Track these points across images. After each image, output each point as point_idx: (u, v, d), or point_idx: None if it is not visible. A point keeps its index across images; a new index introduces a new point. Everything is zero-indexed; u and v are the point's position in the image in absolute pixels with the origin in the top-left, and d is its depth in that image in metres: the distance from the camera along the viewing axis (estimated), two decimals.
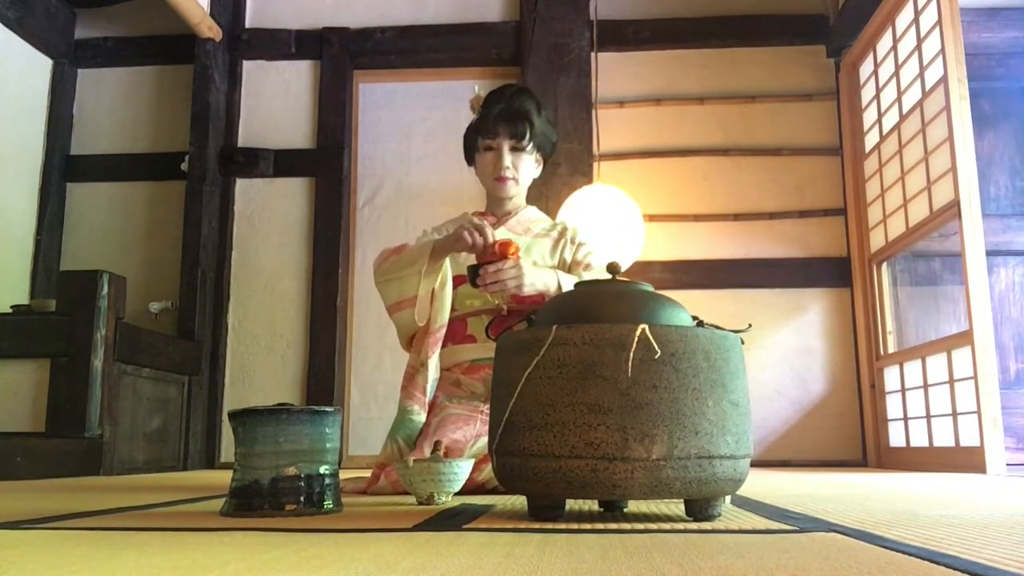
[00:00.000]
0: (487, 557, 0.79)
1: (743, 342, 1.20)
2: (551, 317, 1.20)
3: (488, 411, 1.82)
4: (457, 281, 2.05)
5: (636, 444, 1.06)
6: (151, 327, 3.63)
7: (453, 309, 2.05)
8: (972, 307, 2.71)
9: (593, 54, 3.88)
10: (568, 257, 2.10)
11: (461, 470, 1.47)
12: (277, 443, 1.25)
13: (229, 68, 4.05)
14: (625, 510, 1.32)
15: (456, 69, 4.08)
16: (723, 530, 1.03)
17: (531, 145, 2.07)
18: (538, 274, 1.86)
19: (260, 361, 3.88)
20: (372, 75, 4.14)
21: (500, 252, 1.80)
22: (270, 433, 1.25)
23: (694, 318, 1.22)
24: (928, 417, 3.13)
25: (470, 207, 2.29)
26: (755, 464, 2.12)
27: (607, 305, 1.18)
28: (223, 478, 2.28)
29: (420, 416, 1.90)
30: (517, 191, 2.12)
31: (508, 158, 2.06)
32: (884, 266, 3.60)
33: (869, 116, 3.68)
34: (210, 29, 3.86)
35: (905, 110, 3.28)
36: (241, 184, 4.02)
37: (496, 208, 2.16)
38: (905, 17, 3.28)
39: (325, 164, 3.97)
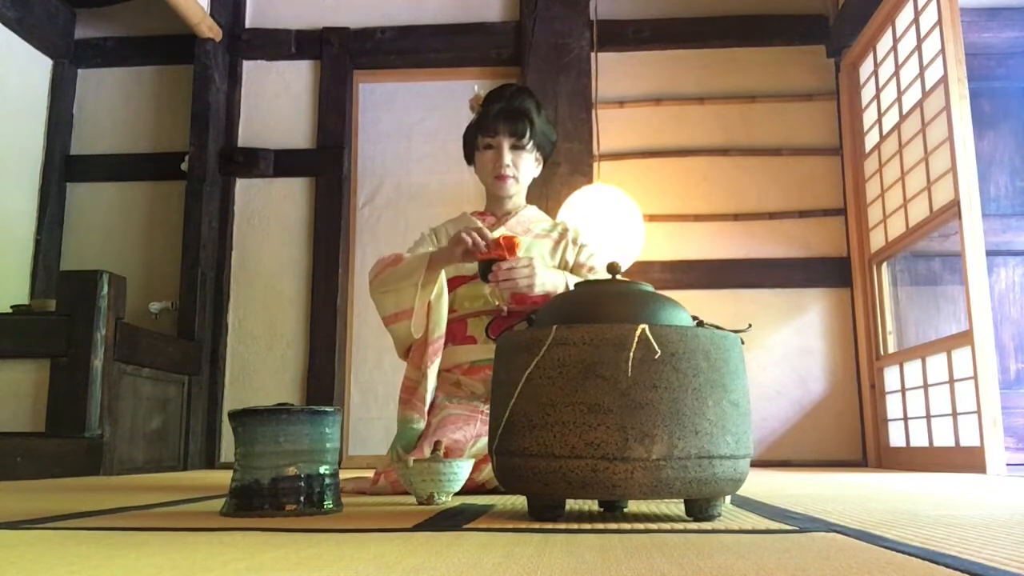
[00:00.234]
0: (487, 557, 0.79)
1: (743, 342, 1.20)
2: (551, 317, 1.20)
3: (487, 411, 1.83)
4: (457, 282, 2.05)
5: (636, 444, 1.06)
6: (151, 327, 3.63)
7: (453, 310, 2.05)
8: (972, 307, 2.71)
9: (593, 54, 3.88)
10: (570, 259, 2.10)
11: (461, 470, 1.47)
12: (277, 443, 1.25)
13: (229, 68, 4.05)
14: (625, 510, 1.32)
15: (456, 69, 4.08)
16: (723, 530, 1.03)
17: (531, 144, 2.07)
18: (548, 275, 1.86)
19: (260, 361, 3.88)
20: (372, 75, 4.14)
21: (506, 246, 1.80)
22: (270, 433, 1.25)
23: (694, 318, 1.22)
24: (928, 417, 3.13)
25: (470, 207, 2.29)
26: (755, 464, 2.12)
27: (607, 305, 1.18)
28: (223, 478, 2.28)
29: (421, 424, 1.90)
30: (517, 190, 2.12)
31: (508, 156, 2.05)
32: (884, 266, 3.60)
33: (869, 116, 3.68)
34: (210, 29, 3.86)
35: (905, 110, 3.28)
36: (241, 184, 4.01)
37: (496, 208, 2.15)
38: (905, 17, 3.28)
39: (325, 164, 3.97)
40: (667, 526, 1.08)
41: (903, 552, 0.82)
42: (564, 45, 3.93)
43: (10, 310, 3.07)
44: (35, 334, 2.87)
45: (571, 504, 1.38)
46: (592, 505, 1.40)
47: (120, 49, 4.16)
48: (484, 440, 1.81)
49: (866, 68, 3.70)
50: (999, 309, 3.62)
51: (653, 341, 1.08)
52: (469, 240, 1.81)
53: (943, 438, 3.01)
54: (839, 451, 3.66)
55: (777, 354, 3.74)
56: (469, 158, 2.15)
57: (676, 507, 1.36)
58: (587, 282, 1.34)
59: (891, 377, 3.47)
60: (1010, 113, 3.78)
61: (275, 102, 4.09)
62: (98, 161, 4.08)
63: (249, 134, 4.06)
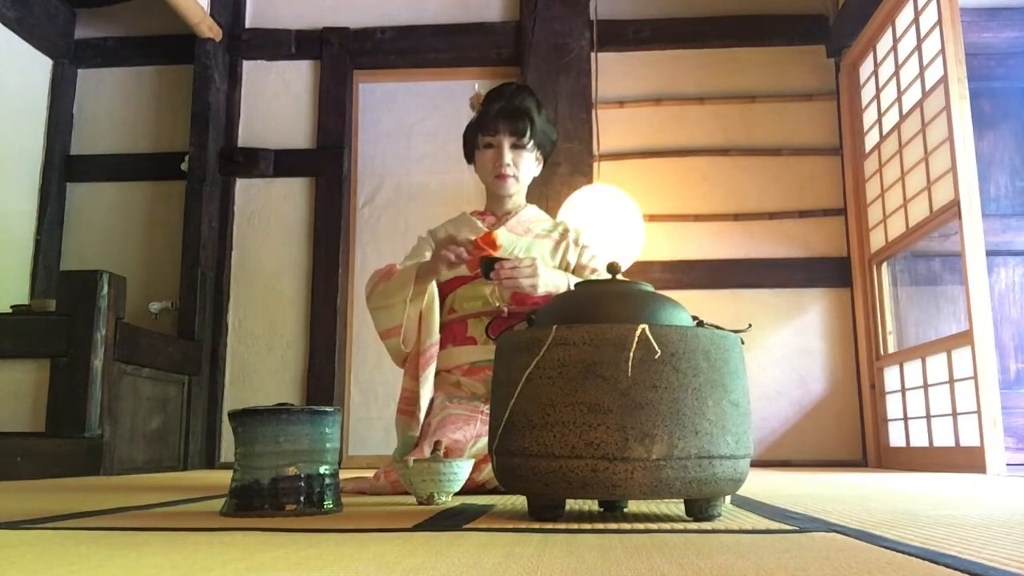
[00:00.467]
0: (487, 557, 0.79)
1: (743, 342, 1.20)
2: (551, 317, 1.20)
3: (488, 412, 1.83)
4: (456, 283, 2.05)
5: (636, 444, 1.06)
6: (151, 327, 3.63)
7: (452, 311, 2.05)
8: (972, 307, 2.71)
9: (593, 54, 3.88)
10: (572, 260, 2.09)
11: (461, 470, 1.47)
12: (277, 443, 1.25)
13: (229, 68, 4.05)
14: (625, 510, 1.32)
15: (456, 69, 4.08)
16: (723, 530, 1.03)
17: (532, 143, 2.06)
18: (551, 275, 1.86)
19: (260, 361, 3.88)
20: (372, 75, 4.14)
21: (487, 244, 1.80)
22: (270, 433, 1.25)
23: (694, 318, 1.22)
24: (928, 417, 3.13)
25: (470, 207, 2.29)
26: (755, 464, 2.12)
27: (607, 305, 1.18)
28: (223, 478, 2.28)
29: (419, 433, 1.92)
30: (517, 189, 2.11)
31: (508, 155, 2.05)
32: (884, 266, 3.60)
33: (869, 116, 3.68)
34: (210, 29, 3.86)
35: (905, 110, 3.28)
36: (241, 184, 4.01)
37: (496, 207, 2.15)
38: (905, 17, 3.28)
39: (325, 164, 3.97)
40: (667, 526, 1.08)
41: (903, 552, 0.82)
42: (564, 45, 3.93)
43: (10, 310, 3.07)
44: (35, 334, 2.87)
45: (571, 504, 1.38)
46: (592, 505, 1.40)
47: (120, 49, 4.16)
48: (484, 440, 1.81)
49: (866, 68, 3.70)
50: (999, 309, 3.62)
51: (653, 341, 1.08)
52: (452, 256, 1.81)
53: (943, 438, 3.01)
54: (839, 451, 3.66)
55: (777, 354, 3.74)
56: (469, 157, 2.15)
57: (676, 507, 1.36)
58: (587, 282, 1.34)
59: (891, 377, 3.47)
60: (1010, 113, 3.78)
61: (275, 102, 4.09)
62: (98, 161, 4.08)
63: (249, 134, 4.06)
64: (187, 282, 3.75)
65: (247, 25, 4.14)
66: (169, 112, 4.09)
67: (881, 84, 3.53)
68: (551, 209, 3.34)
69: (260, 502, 1.23)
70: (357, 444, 3.81)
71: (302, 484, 1.24)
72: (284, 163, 4.00)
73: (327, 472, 1.28)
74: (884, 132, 3.50)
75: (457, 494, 1.55)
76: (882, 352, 3.54)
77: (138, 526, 1.11)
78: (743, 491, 1.64)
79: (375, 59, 4.08)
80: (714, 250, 3.83)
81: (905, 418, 3.33)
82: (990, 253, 3.17)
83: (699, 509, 1.14)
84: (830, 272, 3.78)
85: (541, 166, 2.16)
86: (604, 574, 0.70)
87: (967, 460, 2.78)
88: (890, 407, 3.48)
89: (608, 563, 0.76)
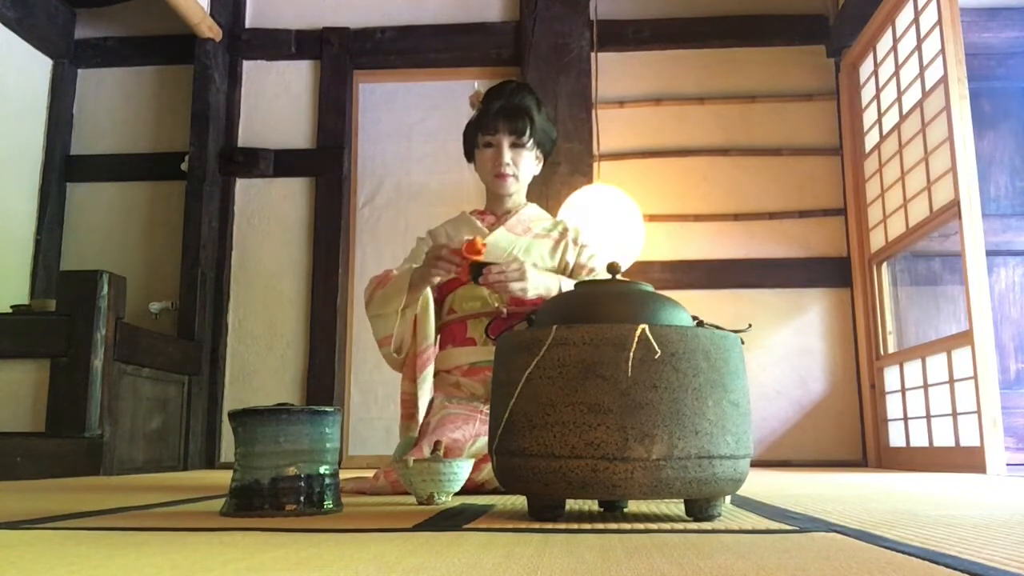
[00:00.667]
0: (487, 557, 0.79)
1: (743, 342, 1.20)
2: (551, 317, 1.20)
3: (487, 411, 1.82)
4: (455, 283, 2.04)
5: (636, 444, 1.06)
6: (151, 327, 3.63)
7: (452, 311, 2.05)
8: (972, 307, 2.71)
9: (593, 54, 3.88)
10: (571, 259, 2.08)
11: (461, 470, 1.47)
12: (277, 443, 1.25)
13: (229, 68, 4.05)
14: (625, 510, 1.32)
15: (456, 69, 4.08)
16: (723, 530, 1.03)
17: (531, 142, 2.05)
18: (541, 278, 1.85)
19: (260, 361, 3.88)
20: (372, 75, 4.14)
21: (470, 252, 1.80)
22: (270, 433, 1.25)
23: (694, 318, 1.22)
24: (928, 417, 3.13)
25: (470, 207, 2.29)
26: (755, 464, 2.12)
27: (607, 305, 1.18)
28: (223, 478, 2.28)
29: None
30: (517, 188, 2.10)
31: (508, 154, 2.04)
32: (884, 266, 3.60)
33: (869, 116, 3.68)
34: (210, 29, 3.86)
35: (905, 110, 3.28)
36: (241, 184, 4.02)
37: (496, 206, 2.14)
38: (905, 17, 3.28)
39: (325, 164, 3.97)
40: (667, 526, 1.08)
41: (903, 552, 0.82)
42: (564, 45, 3.93)
43: (10, 310, 3.07)
44: (35, 334, 2.87)
45: (571, 504, 1.38)
46: (592, 505, 1.40)
47: (120, 49, 4.16)
48: (483, 440, 1.80)
49: (866, 68, 3.70)
50: (999, 309, 3.62)
51: (653, 341, 1.08)
52: (444, 271, 1.83)
53: (943, 438, 3.01)
54: (839, 451, 3.66)
55: (777, 354, 3.74)
56: (469, 156, 2.14)
57: (676, 507, 1.36)
58: (587, 282, 1.34)
59: (891, 377, 3.47)
60: (1010, 113, 3.78)
61: (275, 102, 4.09)
62: (98, 161, 4.08)
63: (249, 134, 4.06)
64: (187, 282, 3.75)
65: (247, 25, 4.14)
66: (169, 112, 4.09)
67: (881, 84, 3.53)
68: (551, 209, 3.34)
69: (260, 502, 1.23)
70: (357, 444, 3.81)
71: (302, 484, 1.24)
72: (284, 163, 4.00)
73: (327, 472, 1.28)
74: (884, 132, 3.50)
75: (457, 494, 1.55)
76: (882, 352, 3.54)
77: (138, 526, 1.11)
78: (743, 491, 1.64)
79: (375, 59, 4.08)
80: (714, 250, 3.83)
81: (905, 418, 3.33)
82: (990, 253, 3.17)
83: (699, 509, 1.14)
84: (830, 272, 3.78)
85: (541, 164, 2.16)
86: (604, 574, 0.70)
87: (967, 460, 2.78)
88: (890, 407, 3.48)
89: (608, 563, 0.76)
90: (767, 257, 3.81)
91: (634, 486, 1.06)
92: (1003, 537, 0.94)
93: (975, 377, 2.69)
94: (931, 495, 1.68)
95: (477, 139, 2.08)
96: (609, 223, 3.34)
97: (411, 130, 4.08)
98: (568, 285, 1.88)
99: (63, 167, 4.03)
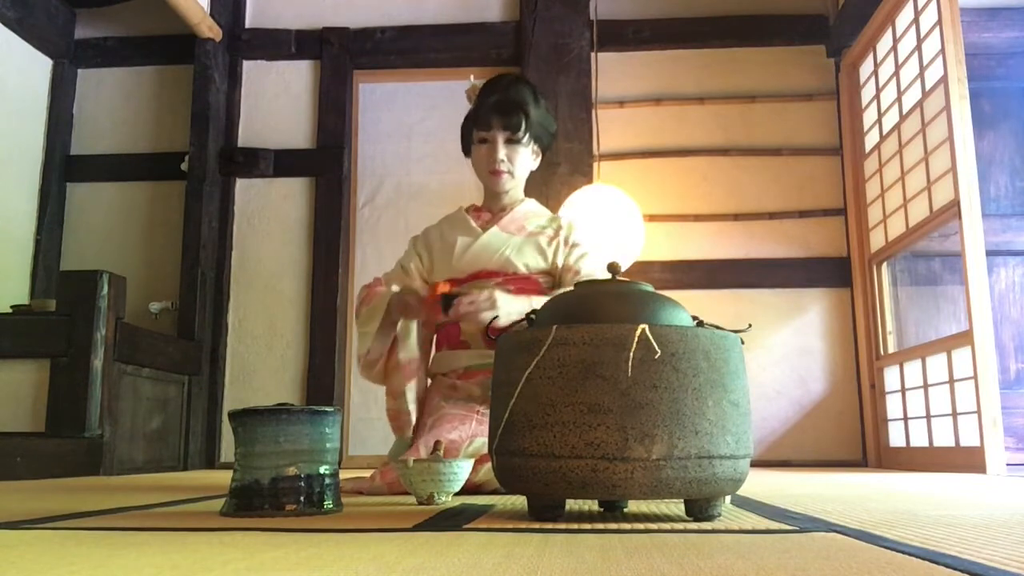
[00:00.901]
0: (487, 557, 0.79)
1: (743, 342, 1.20)
2: (551, 317, 1.20)
3: (484, 411, 1.82)
4: (448, 285, 2.04)
5: (636, 444, 1.06)
6: (151, 327, 3.63)
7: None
8: (972, 307, 2.71)
9: (593, 54, 3.88)
10: (560, 260, 2.04)
11: (461, 470, 1.47)
12: (277, 443, 1.25)
13: (229, 68, 4.05)
14: (625, 510, 1.32)
15: (456, 69, 4.07)
16: (723, 530, 1.03)
17: (527, 137, 2.02)
18: (513, 304, 1.81)
19: (260, 361, 3.88)
20: (372, 75, 4.14)
21: (439, 295, 1.82)
22: (270, 433, 1.25)
23: (694, 318, 1.22)
24: (928, 417, 3.13)
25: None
26: (755, 464, 2.12)
27: (607, 305, 1.18)
28: (223, 478, 2.28)
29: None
30: (513, 184, 2.07)
31: (503, 151, 2.01)
32: (884, 266, 3.60)
33: (869, 116, 3.68)
34: (210, 29, 3.86)
35: (905, 110, 3.28)
36: (241, 184, 4.02)
37: (492, 203, 2.12)
38: (905, 17, 3.28)
39: (325, 164, 3.97)
40: (667, 526, 1.08)
41: (903, 552, 0.82)
42: (564, 45, 3.93)
43: (10, 310, 3.07)
44: (35, 334, 2.87)
45: (571, 504, 1.38)
46: (592, 505, 1.40)
47: (120, 49, 4.16)
48: (480, 440, 1.79)
49: (866, 68, 3.70)
50: (999, 309, 3.62)
51: (653, 341, 1.08)
52: (411, 317, 1.86)
53: (943, 438, 3.01)
54: (839, 451, 3.66)
55: (777, 354, 3.74)
56: (467, 151, 2.12)
57: (676, 507, 1.36)
58: (587, 282, 1.34)
59: (891, 377, 3.47)
60: (1010, 113, 3.78)
61: (275, 102, 4.09)
62: (98, 161, 4.08)
63: (249, 134, 4.06)
64: (187, 282, 3.75)
65: (247, 25, 4.14)
66: (169, 112, 4.09)
67: (881, 84, 3.53)
68: (551, 209, 3.34)
69: (260, 502, 1.23)
70: (357, 444, 3.81)
71: (302, 484, 1.24)
72: (284, 163, 4.00)
73: (327, 472, 1.28)
74: (884, 132, 3.50)
75: (456, 494, 1.55)
76: (882, 352, 3.54)
77: (138, 526, 1.11)
78: (743, 491, 1.64)
79: (375, 59, 4.08)
80: (714, 250, 3.83)
81: (905, 418, 3.33)
82: (990, 253, 3.17)
83: (699, 509, 1.14)
84: (830, 272, 3.78)
85: (539, 159, 2.12)
86: (604, 574, 0.70)
87: (967, 460, 2.78)
88: (890, 407, 3.48)
89: (608, 563, 0.76)
90: (767, 257, 3.81)
91: (634, 486, 1.07)
92: (1003, 537, 0.94)
93: (975, 377, 2.69)
94: (931, 495, 1.68)
95: (472, 135, 2.05)
96: (609, 223, 3.34)
97: (411, 130, 4.08)
98: (540, 303, 1.84)
99: (63, 167, 4.03)
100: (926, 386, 3.14)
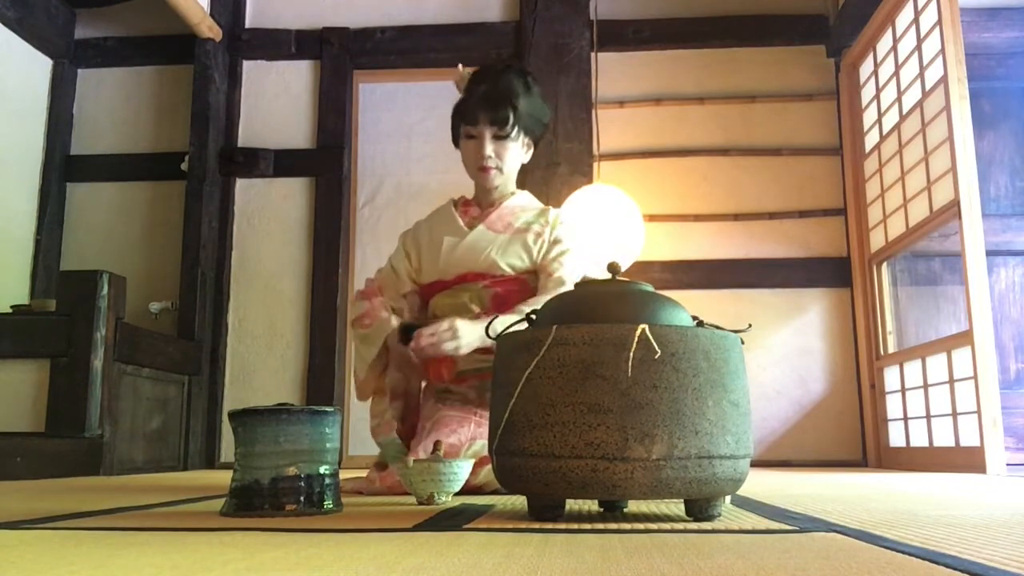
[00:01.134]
0: (487, 557, 0.79)
1: (743, 342, 1.20)
2: (551, 317, 1.20)
3: (482, 413, 1.81)
4: (438, 287, 1.99)
5: (636, 444, 1.06)
6: (151, 327, 3.63)
7: (435, 316, 2.00)
8: (972, 307, 2.71)
9: (593, 54, 3.88)
10: (541, 258, 1.97)
11: (461, 470, 1.47)
12: (277, 443, 1.25)
13: (229, 68, 4.05)
14: (625, 510, 1.32)
15: (456, 69, 4.07)
16: (723, 530, 1.03)
17: (516, 131, 1.94)
18: (475, 330, 1.74)
19: (260, 361, 3.88)
20: (372, 75, 4.14)
21: (401, 323, 1.81)
22: (270, 433, 1.25)
23: (694, 318, 1.22)
24: (928, 417, 3.13)
25: None
26: (755, 464, 2.12)
27: (607, 305, 1.18)
28: (223, 478, 2.28)
29: (395, 436, 1.90)
30: (502, 180, 2.01)
31: (490, 147, 1.95)
32: (884, 266, 3.60)
33: (869, 116, 3.68)
34: (210, 29, 3.86)
35: (905, 110, 3.28)
36: (241, 184, 4.02)
37: (481, 197, 2.06)
38: (905, 17, 3.28)
39: (325, 164, 3.97)
40: (667, 526, 1.08)
41: (903, 552, 0.82)
42: (564, 45, 3.93)
43: (10, 310, 3.07)
44: (35, 334, 2.87)
45: (571, 504, 1.38)
46: (592, 505, 1.40)
47: (120, 49, 4.16)
48: (480, 443, 1.78)
49: (866, 68, 3.70)
50: (999, 309, 3.62)
51: (653, 341, 1.08)
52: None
53: (943, 438, 3.01)
54: (839, 451, 3.66)
55: (777, 354, 3.74)
56: (456, 142, 2.04)
57: (676, 507, 1.36)
58: (587, 282, 1.34)
59: (891, 377, 3.47)
60: (1010, 113, 3.78)
61: (275, 102, 4.09)
62: (98, 161, 4.08)
63: (249, 134, 4.06)
64: (187, 282, 3.75)
65: (247, 25, 4.14)
66: (169, 112, 4.09)
67: (881, 84, 3.53)
68: None
69: (260, 502, 1.23)
70: (357, 444, 3.81)
71: (302, 484, 1.24)
72: (284, 163, 4.00)
73: (327, 472, 1.28)
74: (884, 132, 3.50)
75: (456, 495, 1.55)
76: (882, 352, 3.54)
77: (138, 526, 1.11)
78: (743, 491, 1.64)
79: (375, 59, 4.08)
80: (714, 250, 3.83)
81: (905, 418, 3.33)
82: (990, 253, 3.17)
83: (699, 509, 1.14)
84: (830, 272, 3.78)
85: (532, 150, 2.06)
86: (604, 574, 0.70)
87: (967, 460, 2.78)
88: (890, 407, 3.48)
89: (608, 563, 0.76)
90: (767, 257, 3.81)
91: (634, 486, 1.07)
92: (1003, 537, 0.94)
93: (975, 377, 2.69)
94: (931, 495, 1.68)
95: (460, 129, 1.99)
96: (609, 223, 3.34)
97: (411, 130, 4.08)
98: (504, 322, 1.80)
99: (63, 167, 4.03)
100: (926, 386, 3.14)
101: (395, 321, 1.93)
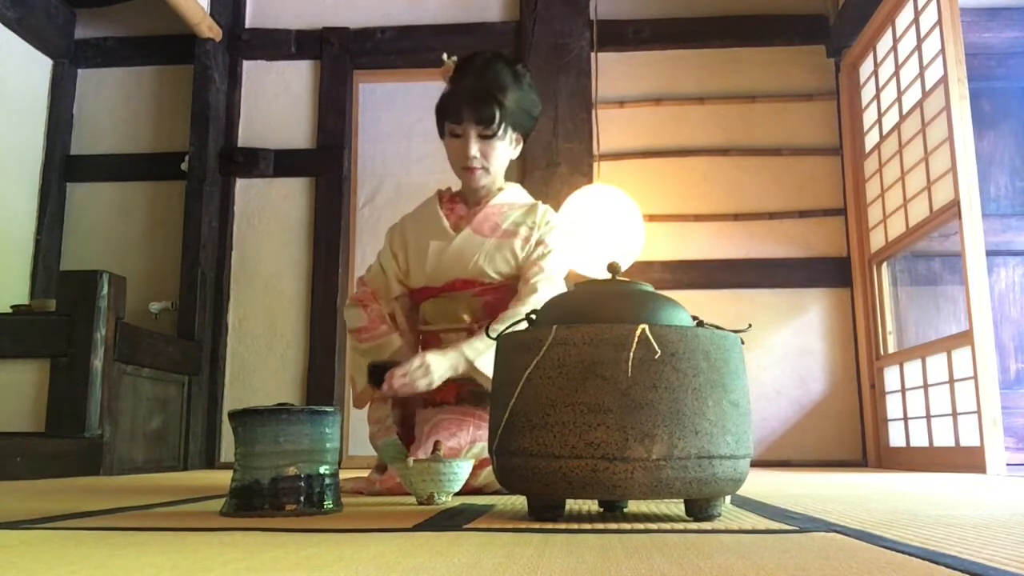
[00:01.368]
0: (487, 557, 0.79)
1: (743, 342, 1.20)
2: (551, 317, 1.20)
3: (481, 415, 1.80)
4: (427, 293, 1.96)
5: (636, 444, 1.06)
6: (151, 327, 3.63)
7: (425, 322, 1.98)
8: (972, 307, 2.71)
9: (593, 54, 3.88)
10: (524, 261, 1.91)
11: (461, 470, 1.47)
12: (277, 443, 1.25)
13: (229, 68, 4.05)
14: (625, 510, 1.32)
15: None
16: (723, 530, 1.03)
17: (503, 129, 1.86)
18: (446, 362, 1.72)
19: (260, 361, 3.88)
20: (372, 75, 4.14)
21: (369, 364, 1.79)
22: (270, 433, 1.25)
23: (694, 318, 1.22)
24: (928, 417, 3.13)
25: None
26: (755, 464, 2.12)
27: (607, 305, 1.18)
28: (223, 478, 2.28)
29: (395, 436, 1.89)
30: (488, 180, 1.94)
31: (475, 147, 1.87)
32: (884, 266, 3.60)
33: (869, 116, 3.68)
34: (210, 29, 3.86)
35: (905, 110, 3.28)
36: (241, 184, 4.02)
37: (468, 195, 1.99)
38: (905, 17, 3.28)
39: (325, 164, 3.97)
40: (667, 526, 1.08)
41: (903, 552, 0.82)
42: (564, 45, 3.93)
43: (10, 310, 3.07)
44: (35, 334, 2.87)
45: (571, 504, 1.38)
46: (592, 505, 1.40)
47: (120, 49, 4.16)
48: (479, 445, 1.77)
49: (866, 68, 3.70)
50: (999, 309, 3.62)
51: (653, 341, 1.08)
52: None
53: (943, 438, 3.01)
54: (839, 451, 3.66)
55: (777, 354, 3.74)
56: (442, 133, 1.97)
57: (676, 507, 1.36)
58: (587, 282, 1.33)
59: (891, 377, 3.47)
60: (1010, 113, 3.78)
61: (275, 102, 4.09)
62: (98, 161, 4.08)
63: (249, 134, 4.06)
64: (187, 282, 3.75)
65: (247, 25, 4.14)
66: (169, 112, 4.09)
67: (881, 84, 3.53)
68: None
69: (260, 502, 1.23)
70: (357, 444, 3.81)
71: (302, 484, 1.24)
72: (284, 163, 4.00)
73: (327, 472, 1.28)
74: (884, 132, 3.50)
75: (455, 495, 1.55)
76: (882, 352, 3.54)
77: (138, 526, 1.11)
78: (743, 491, 1.64)
79: (375, 59, 4.08)
80: (714, 250, 3.83)
81: (905, 418, 3.33)
82: (990, 253, 3.17)
83: (699, 509, 1.14)
84: (830, 272, 3.78)
85: (521, 145, 1.98)
86: (604, 574, 0.70)
87: (967, 460, 2.78)
88: (890, 407, 3.48)
89: (608, 563, 0.76)
90: (767, 257, 3.81)
91: (634, 486, 1.07)
92: (1003, 537, 0.94)
93: (975, 377, 2.69)
94: (931, 495, 1.68)
95: (444, 126, 1.92)
96: (609, 223, 3.34)
97: (411, 130, 4.08)
98: (473, 351, 1.74)
99: (63, 167, 4.03)
100: (926, 386, 3.14)
101: (396, 340, 1.90)
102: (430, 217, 2.00)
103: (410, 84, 4.13)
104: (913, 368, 3.26)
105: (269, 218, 3.98)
